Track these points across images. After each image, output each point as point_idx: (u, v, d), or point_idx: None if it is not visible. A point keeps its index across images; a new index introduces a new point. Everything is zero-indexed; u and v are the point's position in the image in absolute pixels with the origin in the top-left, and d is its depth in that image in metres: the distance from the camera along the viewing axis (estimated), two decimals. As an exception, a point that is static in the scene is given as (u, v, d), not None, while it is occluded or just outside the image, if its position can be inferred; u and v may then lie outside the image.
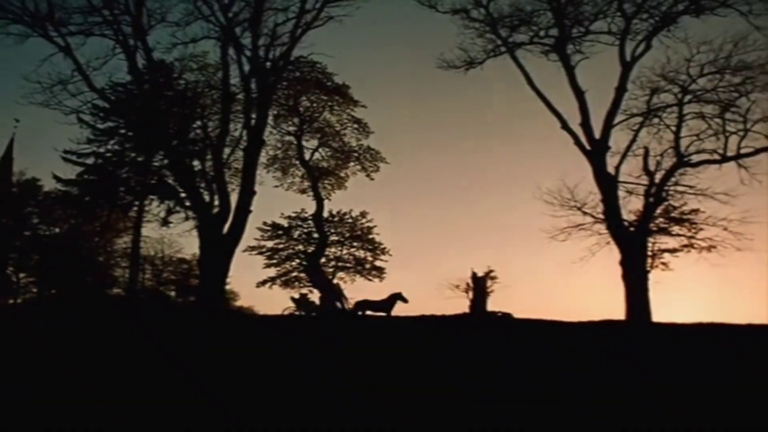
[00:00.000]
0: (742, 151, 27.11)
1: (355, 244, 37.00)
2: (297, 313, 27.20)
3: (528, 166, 59.68)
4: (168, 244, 43.12)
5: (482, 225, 65.81)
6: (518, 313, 24.89)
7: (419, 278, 59.65)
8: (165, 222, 32.37)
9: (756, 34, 26.79)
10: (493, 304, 25.73)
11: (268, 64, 30.98)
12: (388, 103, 64.94)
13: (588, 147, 28.09)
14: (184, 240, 38.44)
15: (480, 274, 26.10)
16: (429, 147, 66.37)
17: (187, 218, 31.59)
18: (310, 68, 33.26)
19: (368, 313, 26.38)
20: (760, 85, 27.07)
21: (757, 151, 26.94)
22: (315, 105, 34.95)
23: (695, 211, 27.93)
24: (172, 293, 43.19)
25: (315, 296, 30.85)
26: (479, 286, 25.59)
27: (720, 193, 27.06)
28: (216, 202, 29.55)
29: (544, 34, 30.23)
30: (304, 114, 34.82)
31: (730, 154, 27.24)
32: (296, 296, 28.78)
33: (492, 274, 26.51)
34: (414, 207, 65.61)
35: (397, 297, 26.26)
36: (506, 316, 24.53)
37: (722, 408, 11.04)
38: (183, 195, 30.92)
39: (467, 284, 26.33)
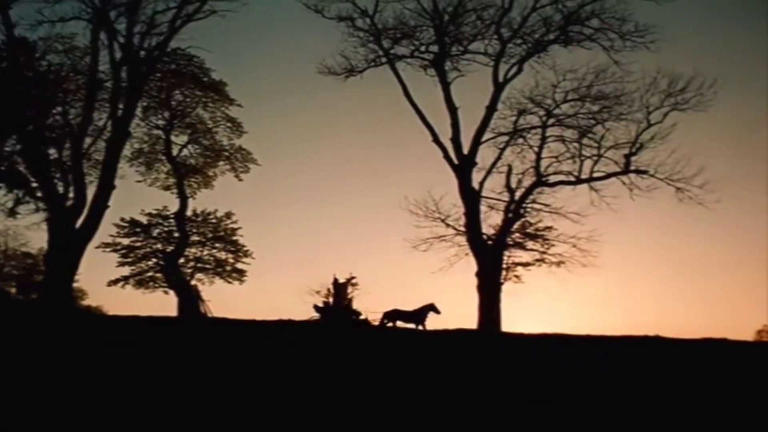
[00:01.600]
0: (595, 174, 29.11)
1: (217, 245, 35.72)
2: (319, 321, 25.50)
3: (398, 176, 60.78)
4: (13, 237, 40.02)
5: (352, 232, 66.36)
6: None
7: (283, 282, 59.01)
8: (12, 212, 30.02)
9: (615, 68, 29.04)
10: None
11: (142, 53, 29.80)
12: (266, 104, 64.03)
13: (456, 161, 29.00)
14: (31, 233, 35.52)
15: (342, 280, 26.04)
16: (304, 151, 66.24)
17: (37, 210, 29.43)
18: (186, 61, 32.07)
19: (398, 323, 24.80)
20: (615, 114, 29.18)
21: (608, 176, 28.96)
22: (188, 100, 33.71)
23: (549, 228, 29.50)
24: (13, 289, 40.10)
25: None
26: (339, 292, 25.52)
27: (572, 213, 28.92)
28: (71, 195, 27.90)
29: (424, 49, 31.11)
30: (175, 108, 33.51)
31: (584, 176, 29.10)
32: (320, 305, 26.62)
33: (353, 281, 26.51)
34: (284, 211, 64.97)
35: (429, 308, 24.59)
36: (364, 322, 24.63)
37: (544, 412, 11.57)
38: (34, 184, 28.89)
39: (328, 290, 26.18)
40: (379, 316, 24.82)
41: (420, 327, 24.48)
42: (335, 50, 31.43)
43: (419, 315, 24.61)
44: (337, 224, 66.44)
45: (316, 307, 26.14)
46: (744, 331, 51.67)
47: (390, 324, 24.75)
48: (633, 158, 28.63)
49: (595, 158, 29.13)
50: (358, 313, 25.46)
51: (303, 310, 26.02)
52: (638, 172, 28.52)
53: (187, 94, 33.30)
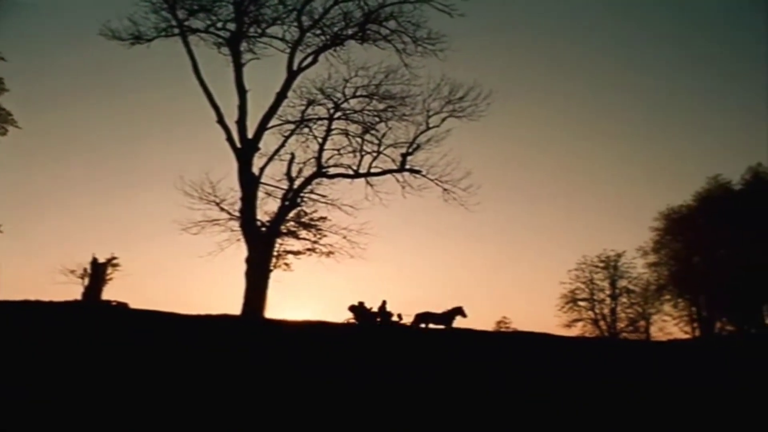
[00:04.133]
0: (373, 170, 30.36)
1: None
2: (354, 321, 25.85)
3: (176, 155, 59.39)
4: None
5: (120, 209, 63.98)
6: (138, 304, 24.60)
7: (33, 261, 55.21)
8: None
9: (404, 70, 30.17)
10: (110, 293, 25.05)
11: None
12: (37, 63, 58.99)
13: (239, 145, 28.75)
14: None
15: (101, 260, 25.07)
16: (74, 117, 62.37)
17: None
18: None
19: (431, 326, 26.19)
20: (398, 114, 30.54)
21: (384, 172, 30.38)
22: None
23: (323, 218, 30.44)
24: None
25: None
26: (97, 273, 24.56)
27: (346, 205, 30.01)
28: None
29: (221, 25, 30.22)
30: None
31: (362, 171, 30.26)
32: (355, 304, 26.64)
33: (114, 261, 25.63)
34: (46, 182, 60.71)
35: (457, 311, 26.58)
36: (121, 306, 23.99)
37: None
38: None
39: (85, 270, 25.07)
40: (410, 318, 26.48)
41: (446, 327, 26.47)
42: (124, 13, 29.78)
43: (448, 317, 26.74)
44: (104, 200, 62.88)
45: (351, 308, 26.75)
46: (487, 323, 58.61)
47: (423, 325, 26.42)
48: (409, 158, 30.23)
49: (374, 154, 30.41)
50: (391, 314, 26.85)
51: (56, 291, 24.84)
52: (412, 171, 30.19)
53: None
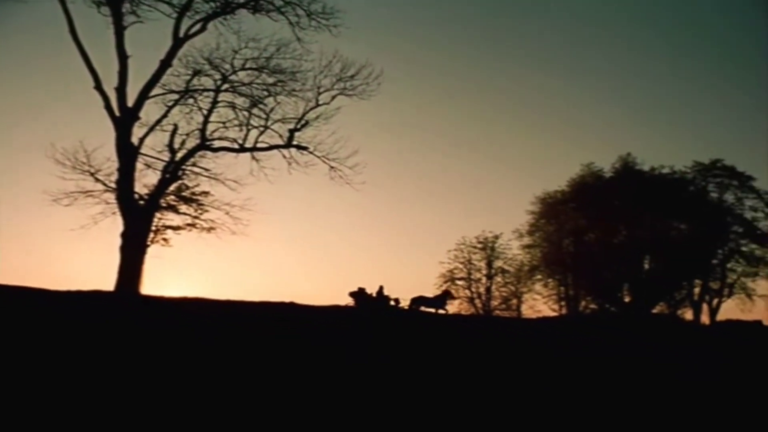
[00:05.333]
0: (259, 145, 29.96)
1: None
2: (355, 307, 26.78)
3: (49, 121, 56.14)
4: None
5: None
6: (3, 279, 23.22)
7: None
8: None
9: (296, 45, 29.59)
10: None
11: None
12: None
13: (117, 113, 27.42)
14: None
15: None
16: None
17: None
18: None
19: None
20: (288, 89, 30.11)
21: (271, 147, 30.10)
22: None
23: (205, 193, 29.70)
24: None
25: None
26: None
27: (230, 180, 29.44)
28: None
29: (103, -17, 28.46)
30: None
31: (248, 145, 29.81)
32: (355, 290, 27.90)
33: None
34: None
35: (448, 295, 31.16)
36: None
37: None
38: None
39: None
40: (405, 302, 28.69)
41: (441, 311, 29.37)
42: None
43: (441, 300, 29.71)
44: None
45: (352, 294, 27.65)
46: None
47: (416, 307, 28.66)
48: (297, 134, 30.05)
49: (261, 129, 29.93)
50: (389, 299, 28.19)
51: None
52: (299, 147, 30.01)
53: None
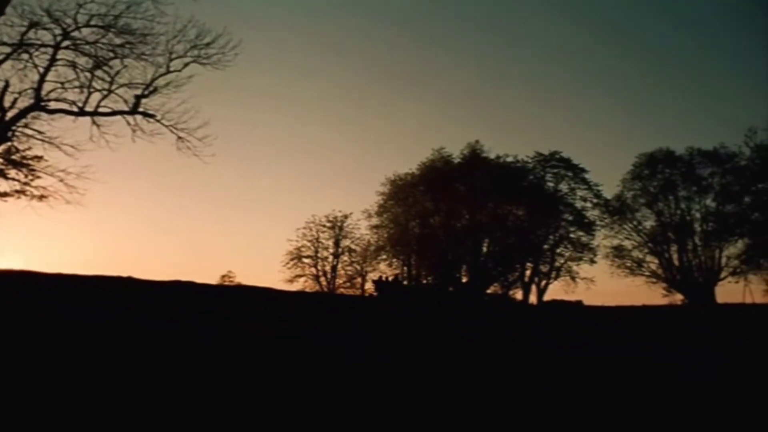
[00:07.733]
0: (101, 109, 28.35)
1: None
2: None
3: None
4: None
5: None
6: None
7: None
8: None
9: (149, 5, 27.93)
10: None
11: None
12: None
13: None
14: None
15: None
16: None
17: None
18: None
19: None
20: (137, 52, 28.59)
21: (114, 113, 28.61)
22: None
23: (38, 157, 27.87)
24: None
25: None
26: None
27: (67, 145, 27.67)
28: None
29: None
30: None
31: (89, 109, 28.07)
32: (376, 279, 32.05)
33: None
34: None
35: None
36: None
37: None
38: None
39: None
40: None
41: None
42: None
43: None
44: None
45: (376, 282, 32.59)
46: (212, 277, 62.01)
47: None
48: (144, 100, 28.74)
49: (105, 92, 28.31)
50: (403, 285, 32.10)
51: None
52: (146, 114, 28.81)
53: None
